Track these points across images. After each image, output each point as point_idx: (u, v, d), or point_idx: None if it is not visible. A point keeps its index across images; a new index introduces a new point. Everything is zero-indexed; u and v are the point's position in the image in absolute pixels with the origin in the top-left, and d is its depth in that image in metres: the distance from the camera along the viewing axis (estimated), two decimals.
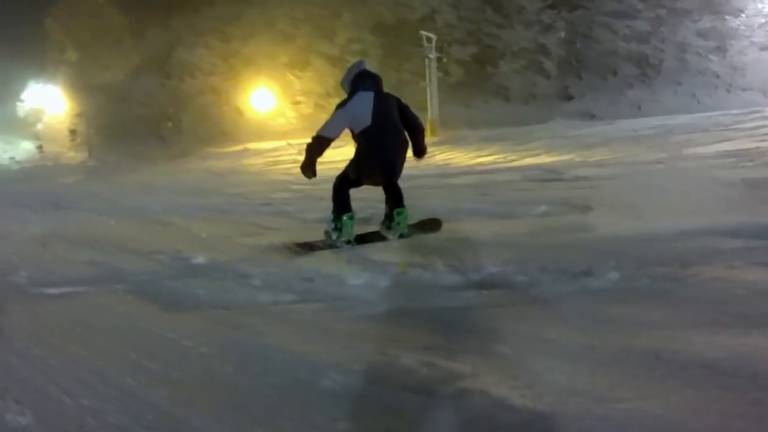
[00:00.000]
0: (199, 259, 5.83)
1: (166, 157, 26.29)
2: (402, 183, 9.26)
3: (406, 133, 5.95)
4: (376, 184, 6.00)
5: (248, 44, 28.50)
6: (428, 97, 23.39)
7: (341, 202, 5.84)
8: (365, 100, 5.59)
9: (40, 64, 38.49)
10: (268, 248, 6.12)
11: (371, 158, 5.74)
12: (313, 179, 5.62)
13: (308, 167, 5.59)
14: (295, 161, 19.32)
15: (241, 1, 29.12)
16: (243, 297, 4.53)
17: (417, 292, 4.25)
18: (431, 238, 5.95)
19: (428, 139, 20.61)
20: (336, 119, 5.61)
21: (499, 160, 15.41)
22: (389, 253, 5.41)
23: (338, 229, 5.76)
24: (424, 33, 23.63)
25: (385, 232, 5.95)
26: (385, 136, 5.66)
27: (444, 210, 7.13)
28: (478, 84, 25.96)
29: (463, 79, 25.66)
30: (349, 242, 5.77)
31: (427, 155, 6.34)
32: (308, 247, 5.80)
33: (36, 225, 9.14)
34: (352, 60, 25.38)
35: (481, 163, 15.23)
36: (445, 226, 6.29)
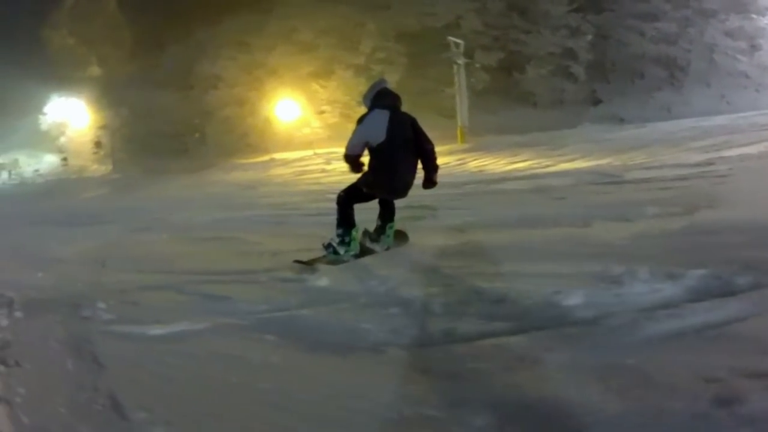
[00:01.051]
0: (322, 282, 4.94)
1: (191, 169, 26.26)
2: (450, 190, 9.04)
3: (417, 157, 6.04)
4: (389, 197, 6.15)
5: (271, 55, 28.45)
6: (457, 103, 23.14)
7: (348, 217, 5.99)
8: (381, 116, 5.78)
9: (63, 78, 38.74)
10: (374, 264, 5.48)
11: (385, 173, 5.84)
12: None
13: (354, 170, 5.99)
14: (323, 170, 19.28)
15: (262, 12, 29.03)
16: (422, 330, 3.50)
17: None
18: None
19: (458, 146, 20.67)
20: (356, 136, 5.86)
21: (535, 166, 15.23)
22: (570, 262, 4.63)
23: (346, 243, 5.91)
24: (451, 39, 23.42)
25: (370, 245, 6.12)
26: (398, 151, 5.78)
27: (535, 216, 6.81)
28: (504, 90, 25.74)
29: (489, 86, 25.46)
30: (356, 255, 5.91)
31: (436, 185, 6.18)
32: (310, 264, 5.83)
33: (83, 242, 8.45)
34: (377, 69, 25.44)
35: (517, 169, 15.03)
36: (578, 231, 5.78)
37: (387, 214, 6.21)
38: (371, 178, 5.86)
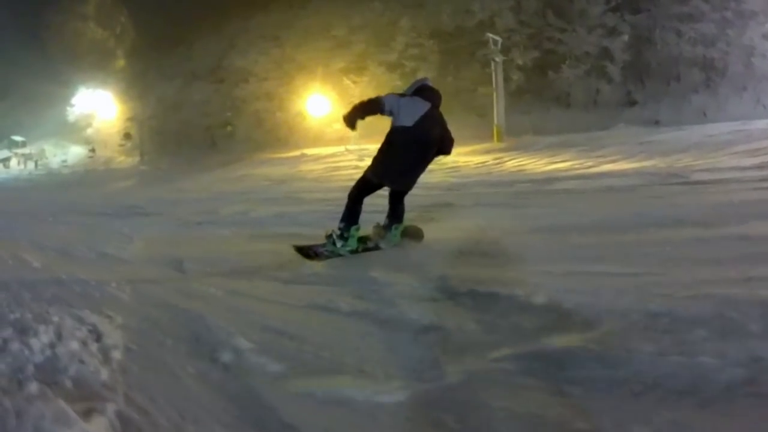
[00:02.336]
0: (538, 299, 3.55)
1: (221, 163, 26.22)
2: (503, 188, 8.78)
3: (431, 156, 5.90)
4: (394, 185, 5.95)
5: (303, 50, 28.32)
6: (494, 102, 22.85)
7: (353, 214, 5.95)
8: (420, 104, 5.62)
9: (90, 69, 38.92)
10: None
11: (396, 156, 5.71)
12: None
13: (350, 120, 5.69)
14: (356, 167, 19.01)
15: (295, 7, 28.94)
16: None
17: None
18: None
19: (494, 145, 20.42)
20: (388, 99, 5.61)
21: (577, 166, 14.97)
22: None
23: (344, 238, 5.89)
24: (490, 35, 23.13)
25: (378, 240, 6.08)
26: (416, 143, 5.63)
27: (654, 216, 6.25)
28: (538, 90, 25.45)
29: (524, 85, 25.17)
30: (354, 251, 5.88)
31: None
32: (311, 253, 5.89)
33: (139, 237, 7.62)
34: (410, 65, 25.24)
35: (557, 170, 14.77)
36: (726, 230, 5.20)
37: (394, 214, 6.10)
38: (382, 160, 5.73)
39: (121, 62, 38.62)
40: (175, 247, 6.58)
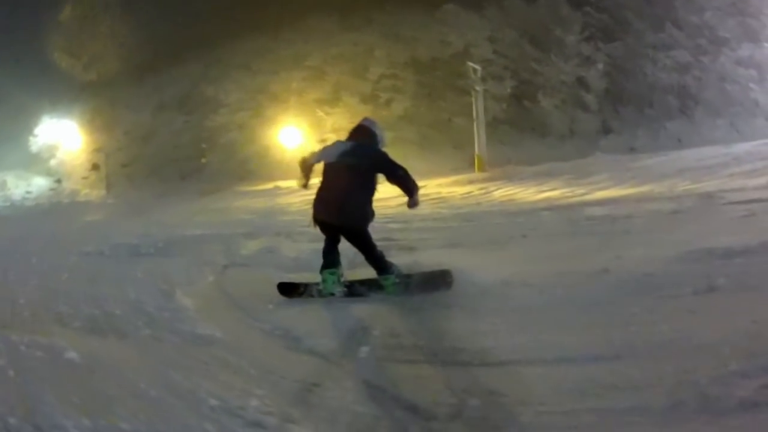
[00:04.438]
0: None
1: (194, 195, 25.42)
2: (525, 218, 8.27)
3: (358, 185, 6.04)
4: (331, 220, 6.05)
5: (276, 80, 27.79)
6: (475, 131, 22.62)
7: (323, 256, 6.11)
8: (340, 144, 6.33)
9: (54, 99, 37.84)
10: None
11: (321, 191, 6.17)
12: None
13: (304, 181, 6.50)
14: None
15: (267, 36, 28.44)
16: None
17: None
18: None
19: (475, 175, 20.12)
20: (319, 151, 6.72)
21: (568, 194, 14.84)
22: None
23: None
24: (471, 64, 22.94)
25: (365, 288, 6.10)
26: (335, 171, 6.01)
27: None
28: (514, 120, 25.28)
29: (499, 115, 24.91)
30: (335, 293, 5.92)
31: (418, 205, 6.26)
32: (296, 292, 6.01)
33: (190, 293, 6.19)
34: (385, 96, 24.84)
35: (549, 198, 14.55)
36: None
37: (370, 263, 6.05)
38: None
39: (85, 91, 37.62)
40: (237, 301, 5.75)
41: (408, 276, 5.93)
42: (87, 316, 5.26)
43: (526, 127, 25.11)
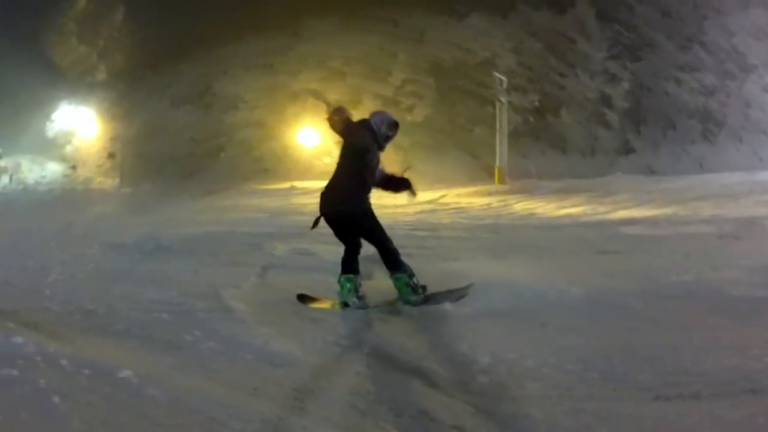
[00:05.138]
0: None
1: (208, 191, 25.27)
2: (561, 233, 7.88)
3: (345, 170, 5.83)
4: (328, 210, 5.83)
5: (296, 79, 27.59)
6: (497, 142, 22.38)
7: (342, 263, 5.87)
8: None
9: (72, 85, 37.80)
10: None
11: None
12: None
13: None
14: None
15: (288, 33, 28.26)
16: None
17: None
18: None
19: (495, 187, 19.93)
20: None
21: (589, 212, 14.64)
22: None
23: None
24: (497, 75, 22.68)
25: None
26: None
27: None
28: (536, 133, 25.02)
29: (520, 128, 24.64)
30: (346, 305, 5.61)
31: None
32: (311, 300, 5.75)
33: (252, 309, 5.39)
34: (406, 102, 24.62)
35: (570, 214, 14.36)
36: None
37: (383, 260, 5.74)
38: None
39: (104, 80, 37.59)
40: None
41: (423, 287, 5.63)
42: (128, 319, 4.60)
43: (546, 142, 24.85)
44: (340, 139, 5.98)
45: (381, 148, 5.78)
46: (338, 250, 5.92)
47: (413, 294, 5.52)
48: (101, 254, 8.16)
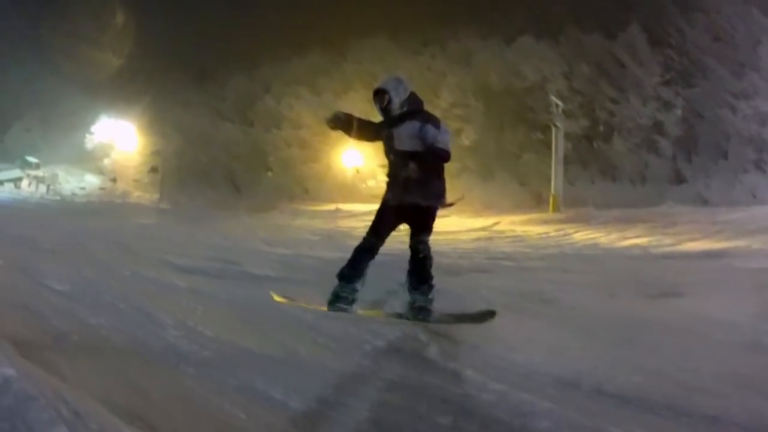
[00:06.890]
0: None
1: (248, 208, 25.02)
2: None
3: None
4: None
5: (341, 99, 27.41)
6: (552, 169, 21.66)
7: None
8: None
9: (112, 99, 37.94)
10: None
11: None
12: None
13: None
14: (399, 229, 17.51)
15: (334, 53, 28.17)
16: None
17: None
18: None
19: (549, 215, 19.37)
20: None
21: (654, 243, 13.87)
22: None
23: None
24: (554, 99, 22.04)
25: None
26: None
27: None
28: (585, 160, 24.52)
29: (570, 154, 24.05)
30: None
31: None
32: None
33: None
34: (454, 126, 24.21)
35: (635, 245, 13.57)
36: None
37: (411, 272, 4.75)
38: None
39: (146, 94, 37.79)
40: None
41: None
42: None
43: (596, 169, 24.36)
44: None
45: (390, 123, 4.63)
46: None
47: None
48: (180, 281, 5.29)
